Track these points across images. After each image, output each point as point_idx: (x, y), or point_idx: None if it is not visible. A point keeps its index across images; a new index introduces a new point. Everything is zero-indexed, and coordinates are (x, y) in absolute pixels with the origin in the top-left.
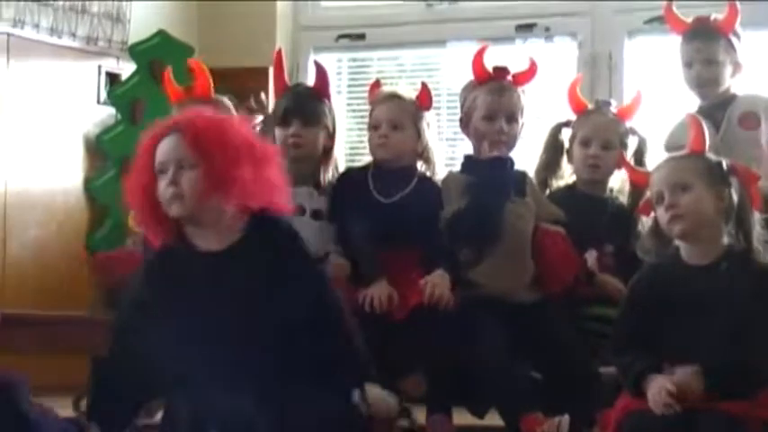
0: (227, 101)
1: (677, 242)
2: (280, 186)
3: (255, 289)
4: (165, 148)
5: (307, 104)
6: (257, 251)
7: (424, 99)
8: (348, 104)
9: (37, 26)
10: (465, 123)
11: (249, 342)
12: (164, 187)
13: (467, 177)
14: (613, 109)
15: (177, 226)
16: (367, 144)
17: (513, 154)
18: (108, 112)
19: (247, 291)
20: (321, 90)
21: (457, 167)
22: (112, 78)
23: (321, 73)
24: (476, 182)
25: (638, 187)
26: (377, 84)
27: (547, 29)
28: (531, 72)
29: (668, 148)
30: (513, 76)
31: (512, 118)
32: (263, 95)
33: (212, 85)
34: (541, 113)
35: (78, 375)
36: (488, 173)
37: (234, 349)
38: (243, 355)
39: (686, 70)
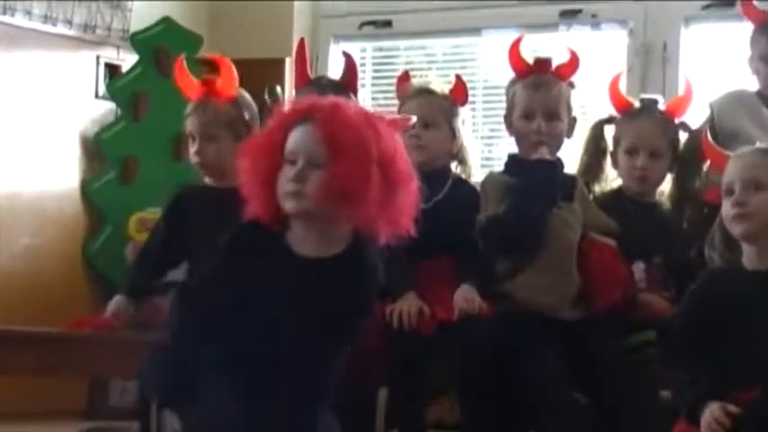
0: (247, 95)
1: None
2: (407, 218)
3: (322, 310)
4: (297, 137)
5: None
6: (342, 274)
7: (459, 94)
8: (373, 99)
9: (29, 13)
10: (508, 122)
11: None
12: (286, 180)
13: (508, 179)
14: (661, 106)
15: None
16: None
17: (561, 154)
18: (107, 108)
19: (316, 310)
20: (348, 83)
21: (494, 169)
22: (112, 70)
23: (349, 64)
24: (518, 184)
25: (685, 189)
26: (405, 77)
27: (593, 15)
28: (572, 64)
29: (721, 120)
30: (555, 69)
31: (552, 115)
32: (278, 88)
33: (235, 83)
34: (587, 111)
35: (76, 400)
36: (533, 175)
37: (282, 360)
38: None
39: (763, 65)
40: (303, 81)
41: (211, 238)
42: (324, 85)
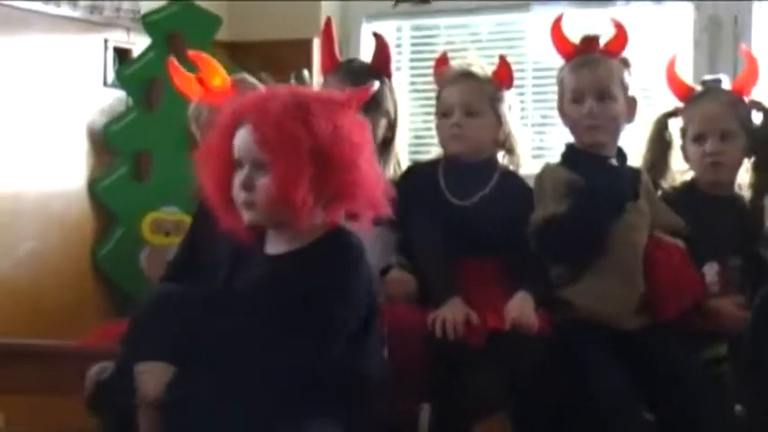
0: (250, 79)
1: None
2: (371, 196)
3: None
4: (239, 141)
5: (362, 81)
6: (313, 262)
7: (505, 76)
8: (411, 84)
9: None
10: (561, 111)
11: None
12: (237, 189)
13: (570, 174)
14: (726, 85)
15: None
16: (435, 133)
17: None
18: (116, 97)
19: (282, 303)
20: (381, 67)
21: (547, 159)
22: (122, 55)
23: (382, 46)
24: (582, 182)
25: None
26: (444, 59)
27: None
28: (620, 38)
29: None
30: (603, 46)
31: (604, 95)
32: (305, 73)
33: (226, 77)
34: (650, 95)
35: (85, 420)
36: (597, 170)
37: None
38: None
39: None
40: (331, 65)
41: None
42: (355, 70)
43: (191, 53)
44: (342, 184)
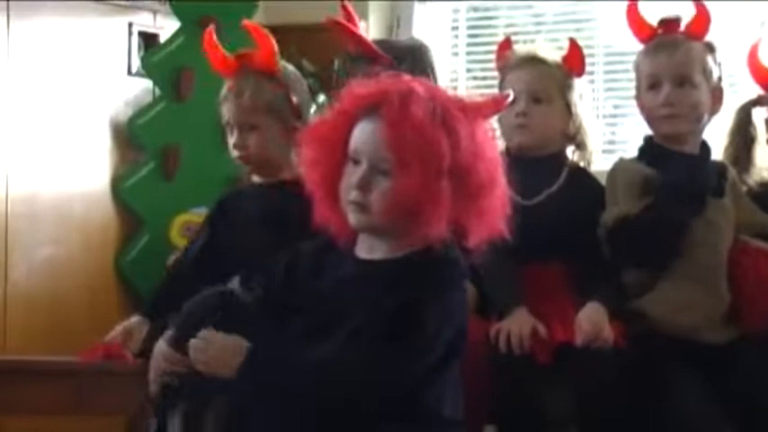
0: (294, 72)
1: None
2: (494, 223)
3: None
4: (362, 135)
5: (405, 62)
6: (415, 274)
7: (575, 62)
8: (468, 70)
9: None
10: (639, 101)
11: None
12: (349, 185)
13: (646, 170)
14: None
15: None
16: (496, 124)
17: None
18: (143, 87)
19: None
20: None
21: (619, 154)
22: (148, 41)
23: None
24: (659, 177)
25: None
26: (507, 43)
27: None
28: (701, 19)
29: None
30: (684, 29)
31: (683, 81)
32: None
33: (277, 53)
34: (737, 84)
35: None
36: (677, 165)
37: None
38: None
39: None
40: (364, 49)
41: (258, 243)
42: (395, 48)
43: (246, 23)
44: (473, 209)
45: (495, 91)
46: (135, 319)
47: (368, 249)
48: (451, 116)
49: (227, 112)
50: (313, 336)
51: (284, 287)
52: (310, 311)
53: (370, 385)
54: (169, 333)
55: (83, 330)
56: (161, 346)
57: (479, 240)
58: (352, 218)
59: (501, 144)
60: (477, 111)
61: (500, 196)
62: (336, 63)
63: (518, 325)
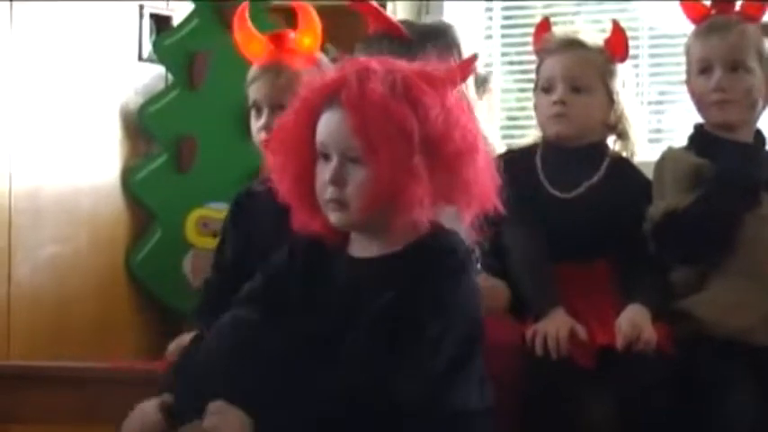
0: (325, 59)
1: None
2: (483, 193)
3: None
4: (326, 127)
5: (417, 49)
6: (411, 269)
7: (618, 46)
8: (503, 54)
9: None
10: (689, 87)
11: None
12: (323, 182)
13: (696, 160)
14: None
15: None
16: (533, 113)
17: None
18: (155, 73)
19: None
20: (446, 25)
21: (665, 144)
22: (160, 24)
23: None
24: (710, 168)
25: None
26: (545, 25)
27: None
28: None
29: None
30: (739, 9)
31: (736, 65)
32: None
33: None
34: None
35: None
36: (729, 155)
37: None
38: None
39: None
40: (389, 29)
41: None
42: (413, 30)
43: (294, 3)
44: (456, 181)
45: (530, 77)
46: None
47: (362, 248)
48: (414, 87)
49: (256, 92)
50: (318, 353)
51: (279, 296)
52: (309, 322)
53: (385, 405)
54: (162, 399)
55: (91, 334)
56: (147, 409)
57: (473, 216)
58: (333, 217)
59: (537, 133)
60: (443, 79)
61: (484, 165)
62: (357, 47)
63: (555, 326)
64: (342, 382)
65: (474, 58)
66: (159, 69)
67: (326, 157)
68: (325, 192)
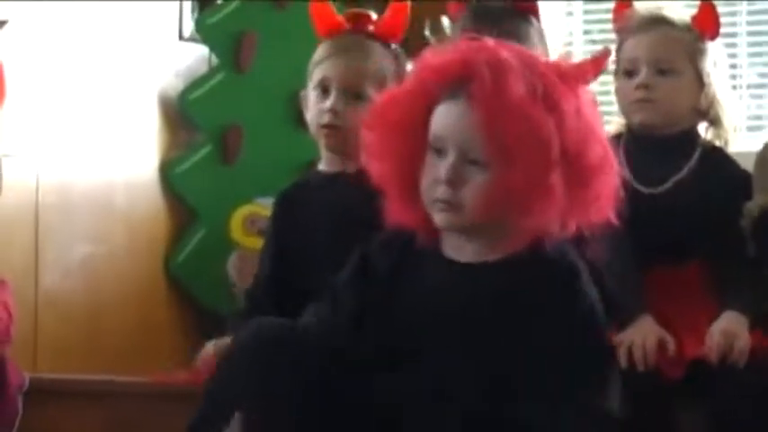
0: (403, 55)
1: None
2: (603, 206)
3: (504, 323)
4: (446, 119)
5: (503, 26)
6: (525, 280)
7: (708, 23)
8: (585, 32)
9: None
10: None
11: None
12: (433, 179)
13: None
14: None
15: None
16: (614, 98)
17: None
18: (197, 55)
19: (494, 322)
20: (525, 7)
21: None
22: (202, 2)
23: None
24: None
25: None
26: (625, 2)
27: None
28: None
29: None
30: None
31: None
32: (444, 19)
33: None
34: None
35: None
36: None
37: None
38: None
39: None
40: (458, 7)
41: (335, 247)
42: (491, 8)
43: None
44: (582, 197)
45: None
46: (214, 344)
47: (457, 249)
48: (554, 89)
49: (326, 70)
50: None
51: (357, 309)
52: (401, 331)
53: None
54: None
55: (127, 344)
56: None
57: (582, 229)
58: (440, 218)
59: (620, 121)
60: (577, 76)
61: (612, 179)
62: (427, 26)
63: (642, 336)
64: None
65: (608, 52)
66: (202, 50)
67: (440, 152)
68: (436, 190)
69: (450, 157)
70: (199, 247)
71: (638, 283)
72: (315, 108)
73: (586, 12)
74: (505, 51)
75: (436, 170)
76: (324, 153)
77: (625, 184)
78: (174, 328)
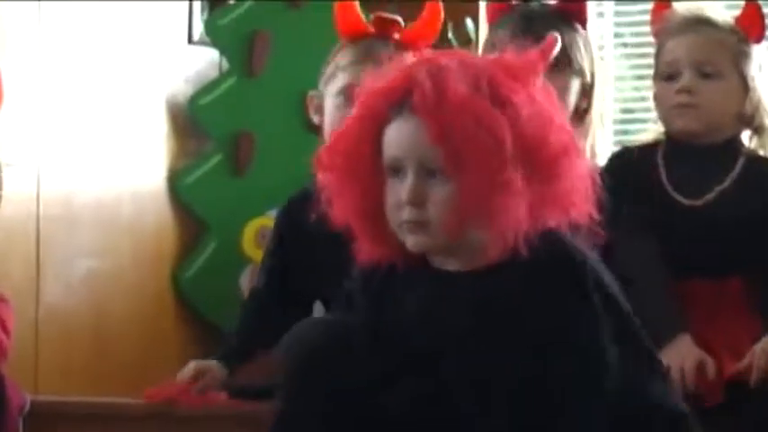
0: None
1: None
2: (575, 200)
3: (507, 328)
4: (397, 138)
5: (542, 34)
6: (526, 281)
7: (753, 23)
8: (616, 35)
9: None
10: None
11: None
12: (396, 203)
13: None
14: None
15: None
16: (653, 104)
17: None
18: (207, 59)
19: (496, 328)
20: (570, 12)
21: None
22: (212, 2)
23: None
24: None
25: None
26: (663, 2)
27: None
28: None
29: None
30: None
31: None
32: (468, 22)
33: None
34: None
35: None
36: None
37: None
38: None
39: None
40: (497, 10)
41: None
42: (533, 14)
43: None
44: (549, 191)
45: (649, 62)
46: (208, 364)
47: (441, 262)
48: (500, 83)
49: (354, 77)
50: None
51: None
52: (400, 352)
53: None
54: None
55: (132, 364)
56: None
57: (568, 227)
58: (411, 241)
59: (658, 128)
60: (527, 68)
61: (581, 167)
62: (449, 29)
63: (680, 358)
64: None
65: (554, 40)
66: (212, 54)
67: (398, 173)
68: (401, 213)
69: (410, 176)
70: (209, 261)
71: (675, 299)
72: (335, 116)
73: (618, 13)
74: (443, 57)
75: (397, 192)
76: None
77: (663, 195)
78: (183, 348)
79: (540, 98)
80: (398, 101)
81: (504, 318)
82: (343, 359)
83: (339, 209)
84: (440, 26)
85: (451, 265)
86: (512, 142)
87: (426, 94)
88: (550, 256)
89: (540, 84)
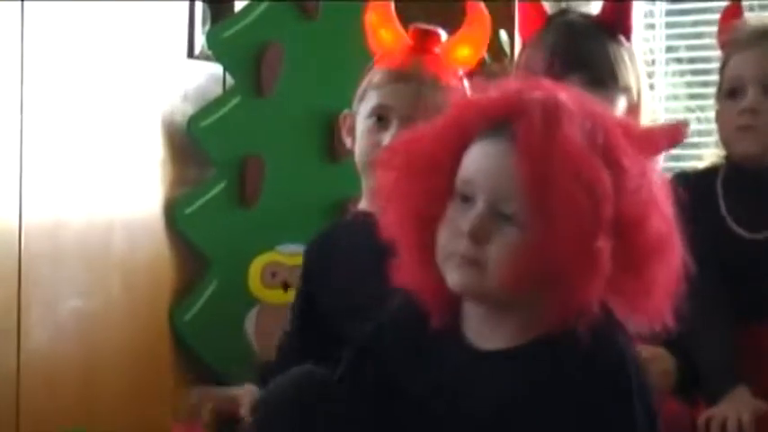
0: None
1: None
2: (658, 301)
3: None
4: (478, 160)
5: (585, 48)
6: (558, 371)
7: None
8: (668, 49)
9: None
10: None
11: None
12: (454, 231)
13: None
14: None
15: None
16: (713, 125)
17: None
18: (209, 75)
19: (522, 419)
20: (613, 23)
21: None
22: (216, 12)
23: None
24: None
25: None
26: (736, 9)
27: None
28: None
29: None
30: None
31: None
32: (503, 35)
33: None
34: None
35: None
36: None
37: None
38: None
39: None
40: (536, 21)
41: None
42: (572, 27)
43: (470, 2)
44: (632, 282)
45: (705, 79)
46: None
47: (477, 334)
48: (617, 145)
49: (387, 97)
50: None
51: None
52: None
53: None
54: None
55: (124, 414)
56: None
57: (634, 328)
58: (456, 276)
59: (717, 152)
60: (649, 141)
61: (673, 269)
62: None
63: (737, 412)
64: None
65: (685, 125)
66: (215, 69)
67: (467, 200)
68: (455, 244)
69: (479, 207)
70: (210, 301)
71: (732, 347)
72: (368, 140)
73: (670, 25)
74: (564, 94)
75: (459, 221)
76: (369, 191)
77: (722, 227)
78: (179, 395)
79: (652, 176)
80: (497, 120)
81: (537, 406)
82: (309, 412)
83: (392, 214)
84: (488, 37)
85: (485, 342)
86: (611, 210)
87: (534, 126)
88: (599, 348)
89: (655, 162)
